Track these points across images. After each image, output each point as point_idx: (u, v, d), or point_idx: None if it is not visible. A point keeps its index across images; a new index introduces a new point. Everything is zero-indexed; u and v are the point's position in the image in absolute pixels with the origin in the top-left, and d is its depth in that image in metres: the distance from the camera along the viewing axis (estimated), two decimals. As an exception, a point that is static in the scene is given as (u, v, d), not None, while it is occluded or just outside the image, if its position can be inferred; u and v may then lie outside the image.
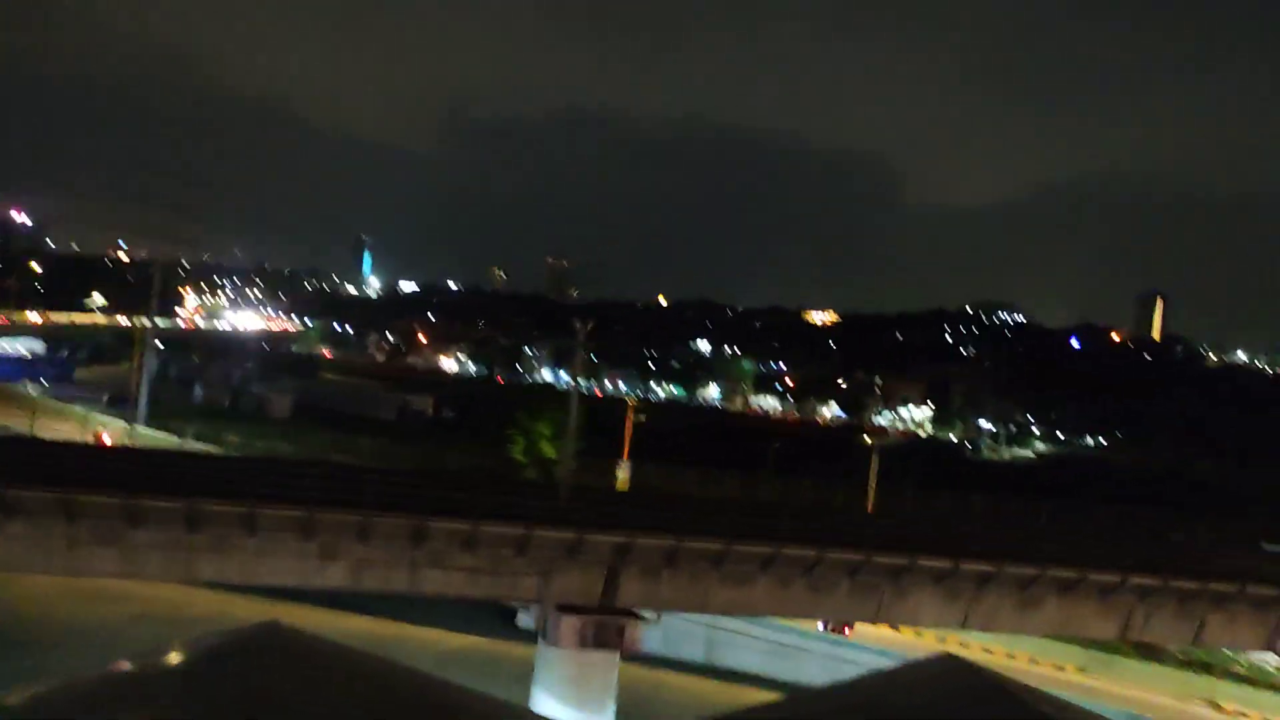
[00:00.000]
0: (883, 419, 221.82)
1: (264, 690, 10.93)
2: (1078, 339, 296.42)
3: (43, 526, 29.95)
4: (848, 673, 41.00)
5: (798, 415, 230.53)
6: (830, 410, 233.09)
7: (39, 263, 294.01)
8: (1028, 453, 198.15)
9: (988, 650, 51.26)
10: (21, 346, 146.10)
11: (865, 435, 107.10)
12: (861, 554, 35.40)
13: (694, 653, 51.12)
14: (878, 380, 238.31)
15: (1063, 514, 61.11)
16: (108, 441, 64.23)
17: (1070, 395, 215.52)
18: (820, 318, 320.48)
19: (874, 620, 42.45)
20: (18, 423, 60.28)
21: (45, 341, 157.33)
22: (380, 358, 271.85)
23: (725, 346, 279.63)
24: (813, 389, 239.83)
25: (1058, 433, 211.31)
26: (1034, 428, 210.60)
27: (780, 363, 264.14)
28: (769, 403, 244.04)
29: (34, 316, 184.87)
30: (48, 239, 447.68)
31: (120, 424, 72.09)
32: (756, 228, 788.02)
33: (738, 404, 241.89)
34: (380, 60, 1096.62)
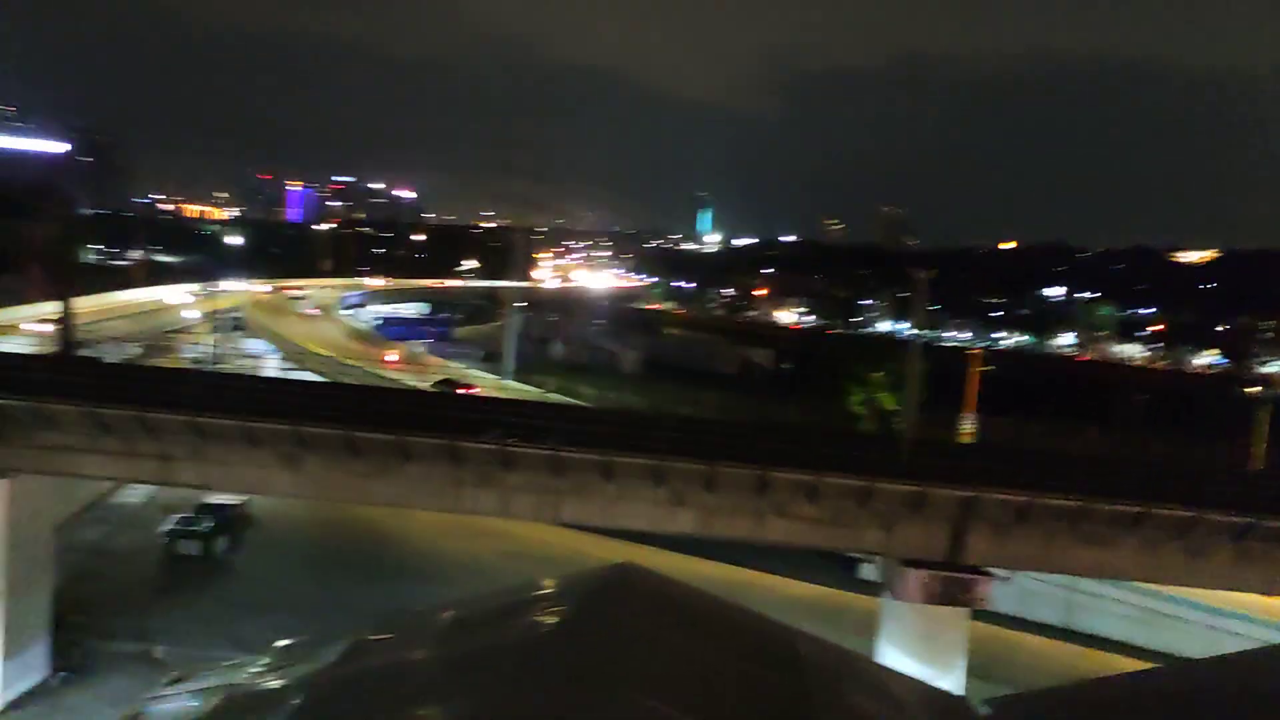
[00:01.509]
0: (1274, 367, 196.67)
1: (621, 625, 11.74)
2: None
3: (434, 469, 33.84)
4: (1229, 646, 37.29)
5: (1164, 364, 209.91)
6: (1205, 359, 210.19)
7: (422, 233, 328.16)
8: None
9: None
10: (410, 310, 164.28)
11: (1248, 386, 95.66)
12: (1248, 516, 31.91)
13: (1051, 615, 48.56)
14: (1265, 325, 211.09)
15: None
16: (475, 390, 70.59)
17: None
18: (1193, 257, 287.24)
19: (1266, 592, 38.18)
20: (409, 377, 67.97)
21: (429, 305, 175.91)
22: (720, 312, 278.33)
23: (1080, 292, 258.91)
24: (1184, 335, 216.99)
25: None
26: None
27: (1145, 308, 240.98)
28: (1131, 351, 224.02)
29: (436, 281, 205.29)
30: (425, 213, 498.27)
31: (492, 378, 79.30)
32: (1113, 164, 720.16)
33: (1094, 353, 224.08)
34: (709, 22, 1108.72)
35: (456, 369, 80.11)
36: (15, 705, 32.76)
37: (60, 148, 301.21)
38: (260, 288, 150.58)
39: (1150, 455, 53.87)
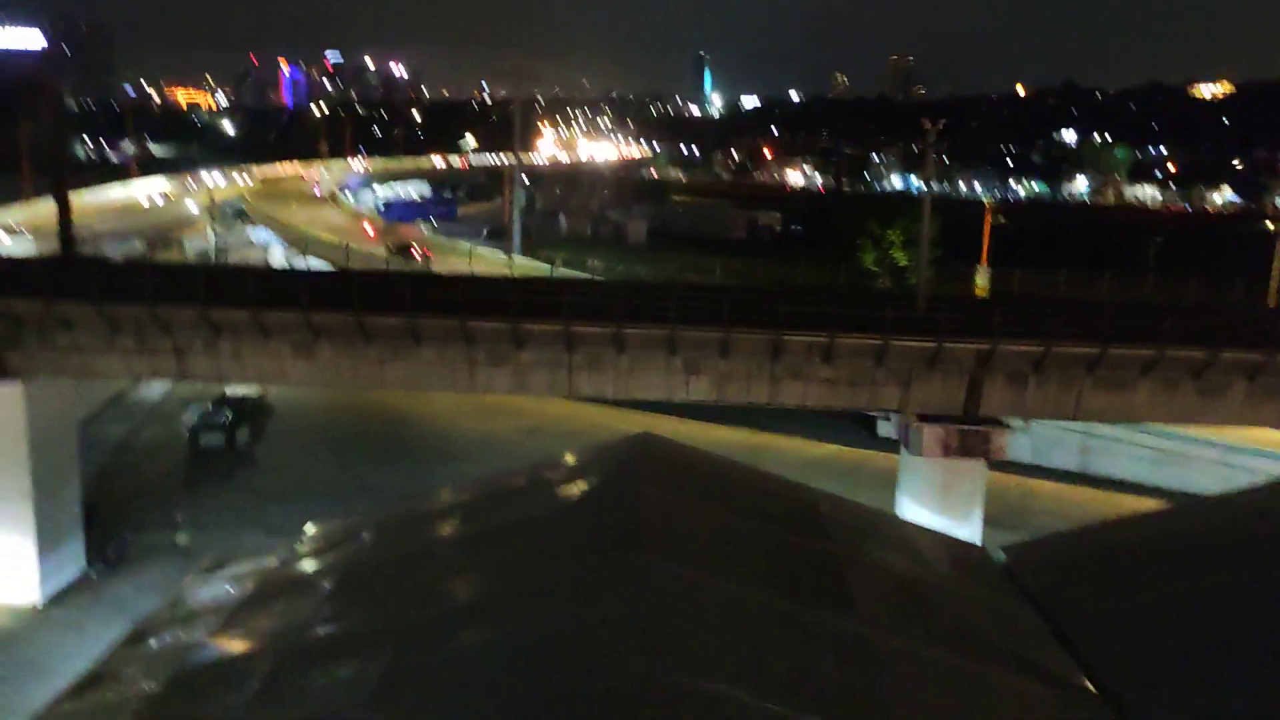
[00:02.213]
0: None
1: (642, 495, 11.77)
2: None
3: (447, 350, 33.84)
4: (1242, 481, 37.69)
5: (1182, 205, 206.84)
6: (1222, 197, 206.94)
7: (419, 111, 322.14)
8: None
9: None
10: (413, 190, 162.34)
11: (1267, 222, 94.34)
12: (1262, 353, 31.79)
13: (1067, 460, 49.12)
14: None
15: None
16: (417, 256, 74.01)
17: None
18: (1210, 91, 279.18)
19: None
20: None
21: (430, 184, 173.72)
22: (727, 176, 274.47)
23: (1094, 134, 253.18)
24: (1200, 174, 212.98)
25: None
26: None
27: (1161, 148, 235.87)
28: (1147, 193, 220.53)
29: (436, 160, 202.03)
30: (421, 89, 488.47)
31: (499, 255, 78.78)
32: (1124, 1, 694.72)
33: (1109, 197, 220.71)
34: None
35: (463, 247, 79.49)
36: (58, 600, 33.76)
37: (37, 36, 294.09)
38: (259, 174, 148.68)
39: (1167, 298, 53.47)
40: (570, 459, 14.70)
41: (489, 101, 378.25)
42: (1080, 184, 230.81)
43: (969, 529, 32.00)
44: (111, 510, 39.09)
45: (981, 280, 67.13)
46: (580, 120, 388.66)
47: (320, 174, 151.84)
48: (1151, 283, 58.54)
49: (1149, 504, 41.48)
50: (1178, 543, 13.01)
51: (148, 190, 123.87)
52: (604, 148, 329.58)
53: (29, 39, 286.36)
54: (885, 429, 48.85)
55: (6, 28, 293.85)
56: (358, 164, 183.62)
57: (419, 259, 72.47)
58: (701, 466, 13.61)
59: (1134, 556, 12.69)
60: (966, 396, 33.00)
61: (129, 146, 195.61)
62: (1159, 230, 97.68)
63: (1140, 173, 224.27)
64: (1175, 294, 53.46)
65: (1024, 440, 44.91)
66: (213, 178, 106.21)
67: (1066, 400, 33.37)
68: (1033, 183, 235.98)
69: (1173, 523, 15.28)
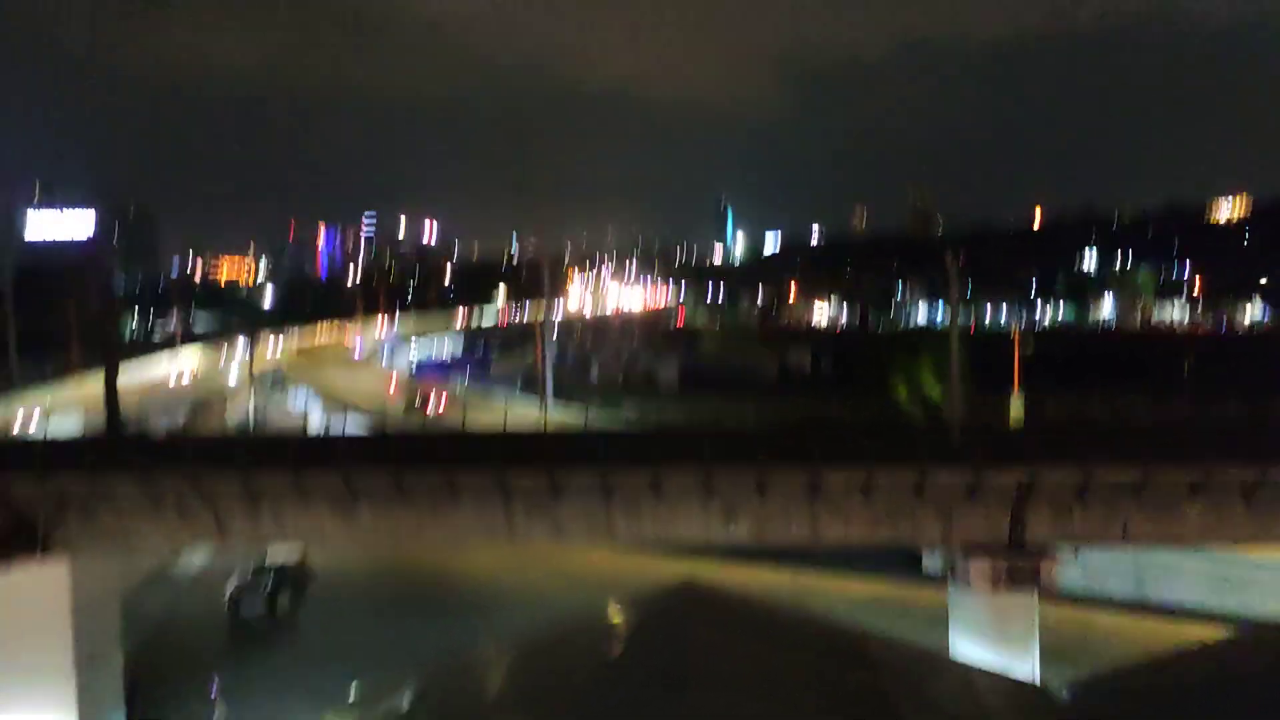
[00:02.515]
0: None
1: (690, 642, 11.68)
2: None
3: (485, 504, 33.96)
4: (1308, 604, 36.46)
5: (1209, 325, 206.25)
6: (1251, 314, 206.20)
7: (451, 270, 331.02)
8: None
9: None
10: (446, 346, 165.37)
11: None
12: (1313, 471, 31.24)
13: (1122, 588, 47.70)
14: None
15: None
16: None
17: None
18: (1228, 209, 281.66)
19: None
20: (452, 415, 68.52)
21: (464, 339, 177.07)
22: (754, 318, 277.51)
23: (1116, 258, 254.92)
24: (1227, 292, 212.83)
25: None
26: None
27: (1184, 267, 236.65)
28: (1174, 313, 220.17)
29: (468, 316, 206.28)
30: (451, 248, 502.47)
31: (533, 407, 79.55)
32: (1136, 122, 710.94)
33: (1137, 319, 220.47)
34: (707, 30, 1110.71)
35: (497, 401, 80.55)
36: (99, 777, 33.19)
37: (89, 219, 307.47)
38: (298, 339, 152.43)
39: (1205, 418, 52.87)
40: (614, 607, 14.64)
41: (518, 255, 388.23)
42: (1107, 307, 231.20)
43: (1026, 665, 31.03)
44: (153, 683, 38.73)
45: (1015, 407, 66.73)
46: (608, 268, 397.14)
47: (357, 337, 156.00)
48: (1188, 403, 57.94)
49: (1212, 632, 40.04)
50: (1243, 675, 12.61)
51: (190, 362, 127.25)
52: (632, 294, 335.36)
53: (82, 222, 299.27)
54: (931, 563, 47.88)
55: (62, 212, 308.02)
56: (392, 324, 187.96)
57: (434, 411, 74.06)
58: (746, 608, 13.51)
59: (1199, 690, 12.31)
60: (1011, 527, 32.52)
61: (173, 320, 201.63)
62: (1190, 350, 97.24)
63: (1166, 293, 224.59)
64: (1214, 413, 52.90)
65: (1075, 569, 43.77)
66: (252, 345, 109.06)
67: (1114, 526, 32.77)
68: (1058, 307, 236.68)
69: (1236, 653, 14.87)
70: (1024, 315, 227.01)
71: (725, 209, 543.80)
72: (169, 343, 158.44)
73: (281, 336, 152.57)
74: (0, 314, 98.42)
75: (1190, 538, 34.34)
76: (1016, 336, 76.34)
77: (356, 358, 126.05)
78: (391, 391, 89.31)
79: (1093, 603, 46.70)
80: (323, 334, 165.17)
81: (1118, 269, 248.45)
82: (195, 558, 54.66)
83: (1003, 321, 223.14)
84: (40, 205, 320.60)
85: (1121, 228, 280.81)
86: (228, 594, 48.06)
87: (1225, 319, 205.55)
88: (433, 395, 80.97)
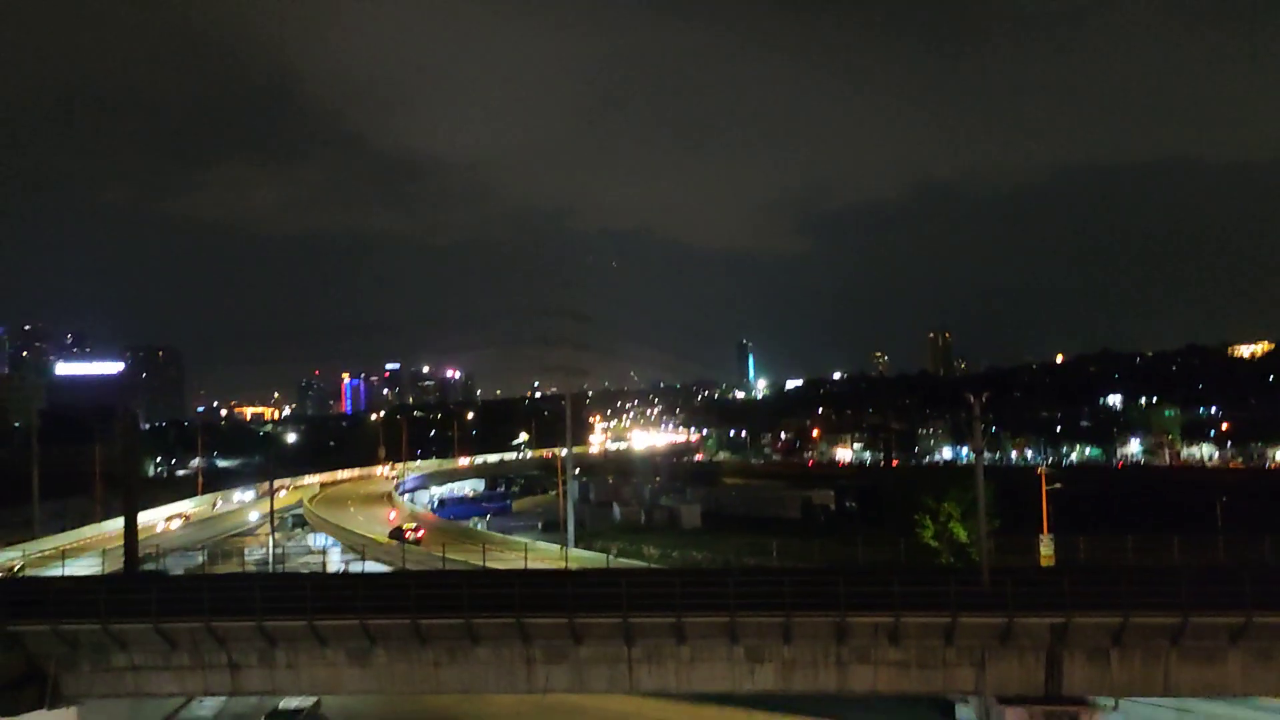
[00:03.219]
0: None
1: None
2: None
3: (504, 649, 33.19)
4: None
5: (1240, 462, 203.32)
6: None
7: (473, 411, 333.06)
8: None
9: None
10: (467, 487, 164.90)
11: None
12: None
13: (1166, 741, 45.55)
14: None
15: None
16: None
17: None
18: (1247, 351, 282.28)
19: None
20: (472, 556, 67.57)
21: (485, 480, 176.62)
22: (777, 457, 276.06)
23: (1139, 397, 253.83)
24: (1255, 431, 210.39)
25: None
26: None
27: (1210, 407, 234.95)
28: (1203, 452, 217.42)
29: (473, 459, 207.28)
30: (474, 390, 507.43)
31: (554, 548, 78.54)
32: (1154, 267, 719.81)
33: (1165, 458, 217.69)
34: (724, 175, 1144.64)
35: (518, 542, 79.72)
36: None
37: (117, 368, 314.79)
38: (318, 481, 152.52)
39: (1243, 560, 51.47)
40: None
41: (540, 397, 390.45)
42: (1133, 446, 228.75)
43: (1070, 824, 29.45)
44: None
45: (1045, 548, 65.26)
46: (630, 410, 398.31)
47: (386, 472, 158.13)
48: (1223, 544, 56.49)
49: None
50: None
51: (211, 501, 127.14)
52: (654, 435, 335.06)
53: (111, 369, 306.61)
54: (964, 713, 46.03)
55: (91, 361, 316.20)
56: (415, 464, 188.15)
57: (414, 540, 79.66)
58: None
59: None
60: (1046, 675, 31.40)
61: (196, 461, 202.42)
62: (1221, 489, 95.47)
63: (1194, 431, 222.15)
64: (1250, 555, 51.52)
65: (1117, 719, 41.98)
66: (273, 487, 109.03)
67: (1154, 675, 31.56)
68: (1084, 447, 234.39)
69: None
70: (1049, 454, 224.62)
71: (747, 353, 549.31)
72: (191, 481, 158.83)
73: (304, 476, 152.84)
74: (24, 457, 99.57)
75: (1234, 687, 32.90)
76: (1044, 475, 75.38)
77: (378, 495, 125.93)
78: (391, 519, 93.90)
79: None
80: (344, 473, 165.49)
81: (1143, 406, 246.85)
82: (207, 703, 53.32)
83: (1029, 459, 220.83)
84: (70, 358, 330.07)
85: (1142, 368, 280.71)
86: (239, 744, 46.69)
87: (1260, 456, 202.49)
88: (408, 527, 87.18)
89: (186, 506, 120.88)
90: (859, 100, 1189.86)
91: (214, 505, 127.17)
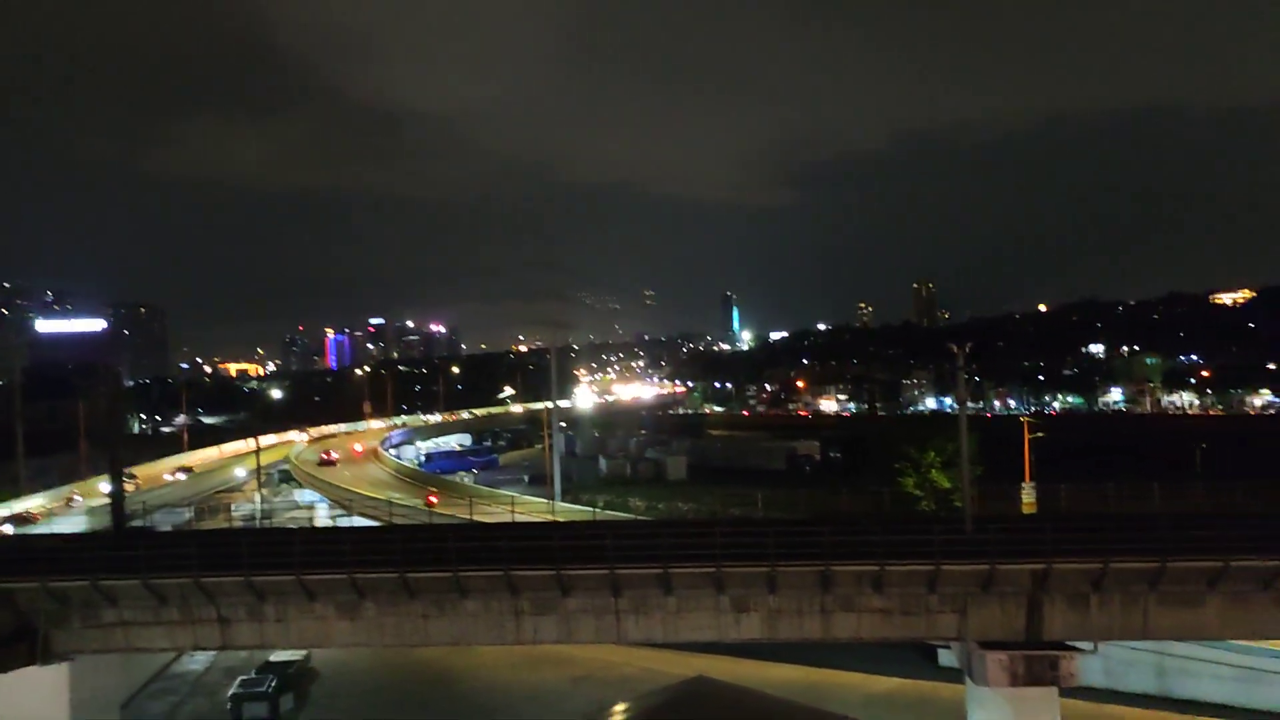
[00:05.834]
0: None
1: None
2: None
3: (492, 601, 33.44)
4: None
5: (1220, 409, 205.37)
6: (1261, 399, 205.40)
7: (458, 365, 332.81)
8: None
9: None
10: (454, 442, 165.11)
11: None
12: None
13: (1143, 683, 46.42)
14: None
15: None
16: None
17: None
18: (1229, 298, 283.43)
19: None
20: (459, 510, 67.90)
21: (471, 435, 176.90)
22: (762, 408, 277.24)
23: (1122, 345, 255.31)
24: (1235, 378, 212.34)
25: None
26: None
27: (1188, 355, 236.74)
28: (1184, 399, 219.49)
29: (476, 412, 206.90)
30: (459, 345, 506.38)
31: (542, 501, 78.97)
32: (1136, 214, 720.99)
33: (1146, 406, 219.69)
34: (707, 126, 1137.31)
35: (505, 495, 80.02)
36: None
37: (100, 325, 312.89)
38: (304, 436, 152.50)
39: (1221, 506, 52.21)
40: (623, 706, 14.27)
41: (525, 351, 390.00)
42: (1115, 394, 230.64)
43: (1048, 764, 30.08)
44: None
45: (1027, 496, 65.99)
46: (615, 363, 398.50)
47: (365, 428, 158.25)
48: (1201, 490, 57.24)
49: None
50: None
51: (198, 457, 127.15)
52: (640, 387, 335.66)
53: (94, 326, 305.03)
54: (947, 658, 46.78)
55: (73, 319, 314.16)
56: (400, 418, 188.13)
57: (333, 462, 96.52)
58: (759, 707, 13.16)
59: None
60: (1027, 620, 31.88)
61: (181, 418, 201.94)
62: (1201, 436, 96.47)
63: (1174, 379, 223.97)
64: (1228, 501, 52.23)
65: (1096, 663, 42.68)
66: (259, 443, 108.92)
67: (1133, 619, 32.08)
68: (1067, 396, 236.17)
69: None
70: (1032, 403, 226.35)
71: (731, 305, 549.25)
72: (176, 438, 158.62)
73: (289, 431, 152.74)
74: (8, 415, 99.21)
75: (1212, 630, 33.53)
76: (1026, 424, 75.97)
77: (362, 451, 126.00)
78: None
79: (1114, 696, 45.50)
80: (330, 429, 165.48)
81: (1125, 354, 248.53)
82: (197, 658, 53.73)
83: (1012, 408, 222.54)
84: (51, 315, 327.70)
85: (1125, 316, 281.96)
86: (230, 696, 47.09)
87: (1240, 403, 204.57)
88: (325, 454, 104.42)
89: (201, 455, 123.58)
90: (842, 50, 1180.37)
91: (227, 455, 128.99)
